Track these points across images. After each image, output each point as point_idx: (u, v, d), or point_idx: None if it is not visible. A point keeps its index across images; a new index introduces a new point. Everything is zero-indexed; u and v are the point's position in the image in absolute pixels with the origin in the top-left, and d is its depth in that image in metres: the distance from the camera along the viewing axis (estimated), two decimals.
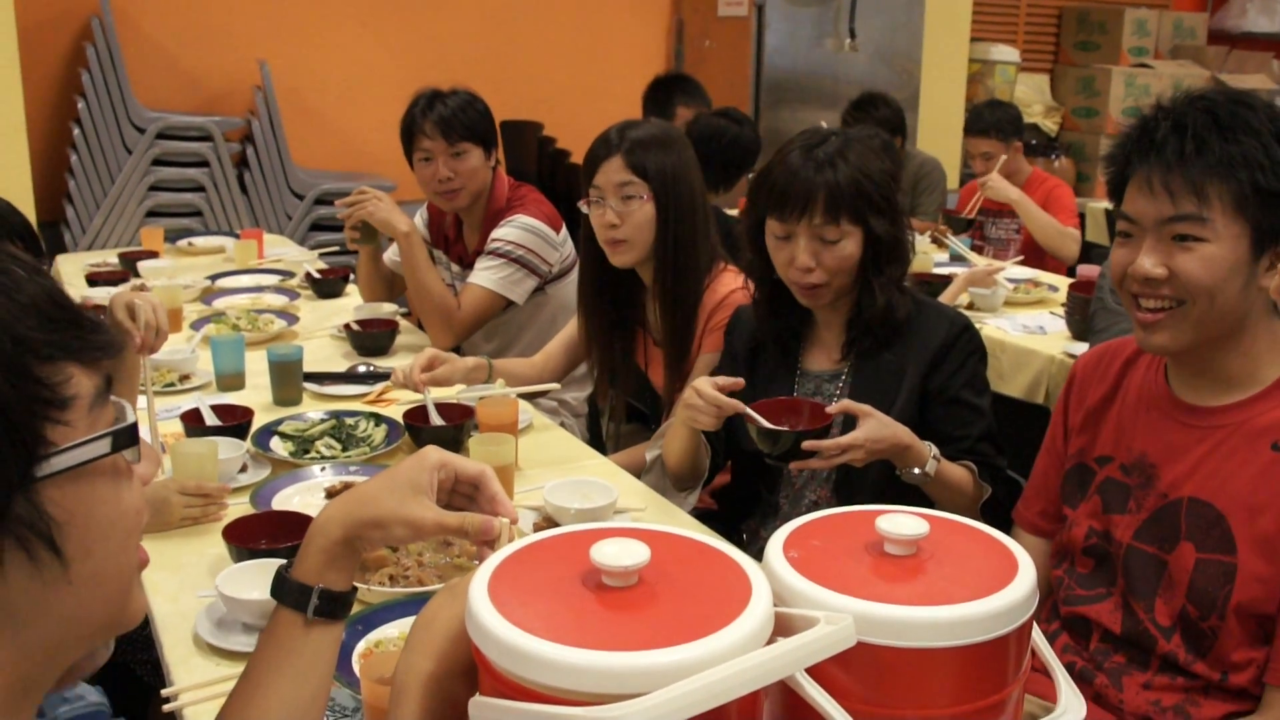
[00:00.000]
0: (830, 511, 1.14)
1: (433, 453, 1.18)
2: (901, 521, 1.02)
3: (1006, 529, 1.58)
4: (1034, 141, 6.27)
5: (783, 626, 0.92)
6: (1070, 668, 1.13)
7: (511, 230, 3.12)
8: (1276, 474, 1.52)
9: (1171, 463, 1.63)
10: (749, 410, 1.97)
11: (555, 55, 6.27)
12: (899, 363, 2.10)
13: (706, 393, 1.99)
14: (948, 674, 0.94)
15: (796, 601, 0.96)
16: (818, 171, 2.01)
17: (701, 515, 2.20)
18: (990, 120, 4.70)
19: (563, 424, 2.93)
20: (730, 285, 2.53)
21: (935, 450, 2.00)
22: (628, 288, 2.66)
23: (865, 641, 0.91)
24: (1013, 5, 7.76)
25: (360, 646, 1.52)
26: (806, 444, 1.91)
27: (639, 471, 2.38)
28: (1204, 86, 1.62)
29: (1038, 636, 1.03)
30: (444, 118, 3.10)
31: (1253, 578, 1.52)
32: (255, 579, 1.59)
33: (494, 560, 0.95)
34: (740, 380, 2.02)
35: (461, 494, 1.21)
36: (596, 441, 3.16)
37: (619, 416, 2.93)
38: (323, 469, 2.14)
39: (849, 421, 1.96)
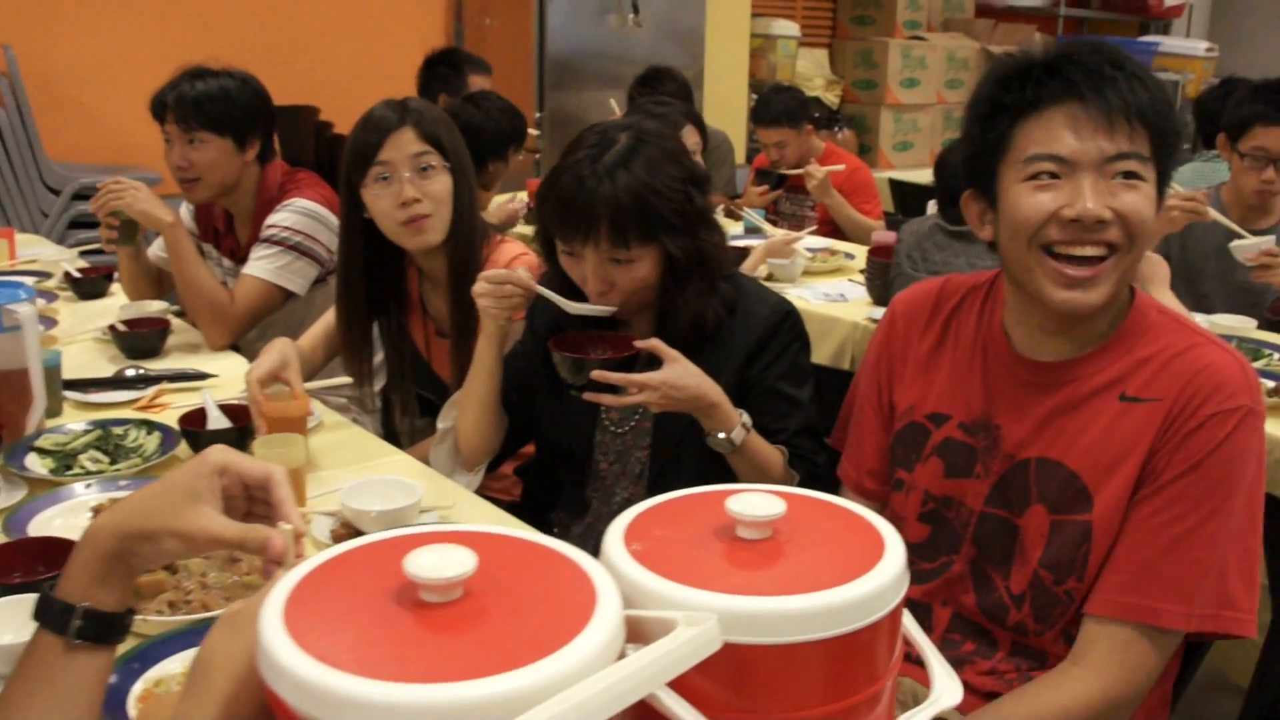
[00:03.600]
0: (672, 495, 1.03)
1: (214, 453, 1.03)
2: (754, 501, 0.92)
3: None
4: (817, 115, 6.33)
5: (635, 632, 0.80)
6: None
7: (287, 215, 2.88)
8: (1128, 424, 1.47)
9: (1016, 422, 1.56)
10: (547, 291, 1.91)
11: (330, 36, 5.99)
12: (719, 355, 1.96)
13: (505, 276, 1.92)
14: (819, 669, 0.84)
15: (647, 602, 0.84)
16: (599, 184, 1.82)
17: (506, 506, 2.05)
18: (780, 109, 4.70)
19: (355, 421, 2.74)
20: (511, 252, 2.39)
21: (747, 419, 1.88)
22: (392, 274, 2.49)
23: (728, 641, 0.79)
24: None
25: (138, 688, 1.32)
26: (596, 374, 1.78)
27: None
28: (1086, 40, 1.55)
29: (906, 618, 0.94)
30: (183, 100, 2.80)
31: (1111, 533, 1.47)
32: (9, 619, 1.37)
33: (289, 581, 0.80)
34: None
35: (260, 499, 1.05)
36: (393, 440, 2.97)
37: (412, 411, 2.74)
38: (88, 485, 1.90)
39: None
